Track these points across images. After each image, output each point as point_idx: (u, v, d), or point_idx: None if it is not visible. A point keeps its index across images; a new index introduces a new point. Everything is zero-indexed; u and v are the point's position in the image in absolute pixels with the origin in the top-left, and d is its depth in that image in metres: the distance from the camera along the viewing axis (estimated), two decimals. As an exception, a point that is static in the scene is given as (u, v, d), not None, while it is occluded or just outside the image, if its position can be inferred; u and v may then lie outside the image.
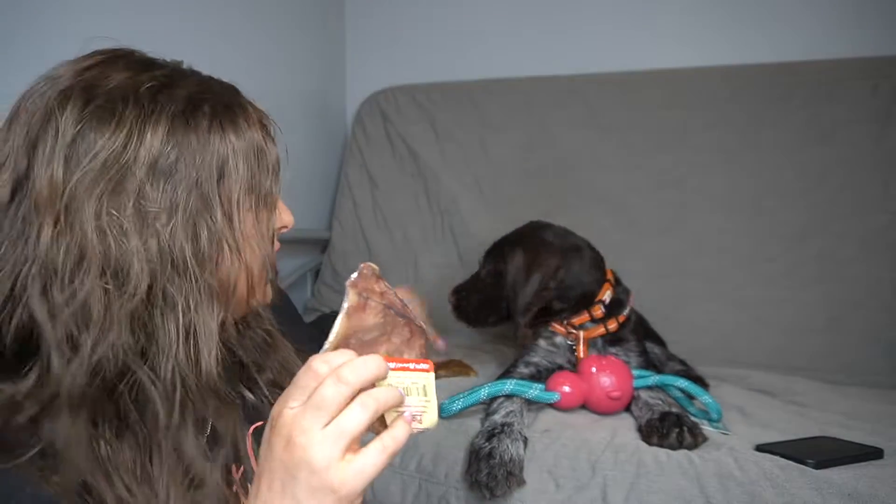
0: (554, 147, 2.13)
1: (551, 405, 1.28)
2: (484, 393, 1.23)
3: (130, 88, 0.66)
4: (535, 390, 1.25)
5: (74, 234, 0.62)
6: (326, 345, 0.63)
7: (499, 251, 1.51)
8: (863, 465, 1.07)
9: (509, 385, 1.24)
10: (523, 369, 1.40)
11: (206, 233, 0.67)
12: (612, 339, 1.41)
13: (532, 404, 1.30)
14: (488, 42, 2.37)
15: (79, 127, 0.63)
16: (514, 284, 1.43)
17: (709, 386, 1.45)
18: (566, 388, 1.27)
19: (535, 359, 1.42)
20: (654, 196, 2.00)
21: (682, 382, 1.28)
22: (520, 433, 1.16)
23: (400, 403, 0.61)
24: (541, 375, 1.39)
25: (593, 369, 1.27)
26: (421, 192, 2.24)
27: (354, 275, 0.65)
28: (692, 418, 1.21)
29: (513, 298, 1.42)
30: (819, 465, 1.04)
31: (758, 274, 1.84)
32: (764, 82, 1.95)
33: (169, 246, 0.65)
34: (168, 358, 0.65)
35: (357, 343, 0.63)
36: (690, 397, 1.31)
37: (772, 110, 1.93)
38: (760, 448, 1.13)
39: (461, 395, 1.22)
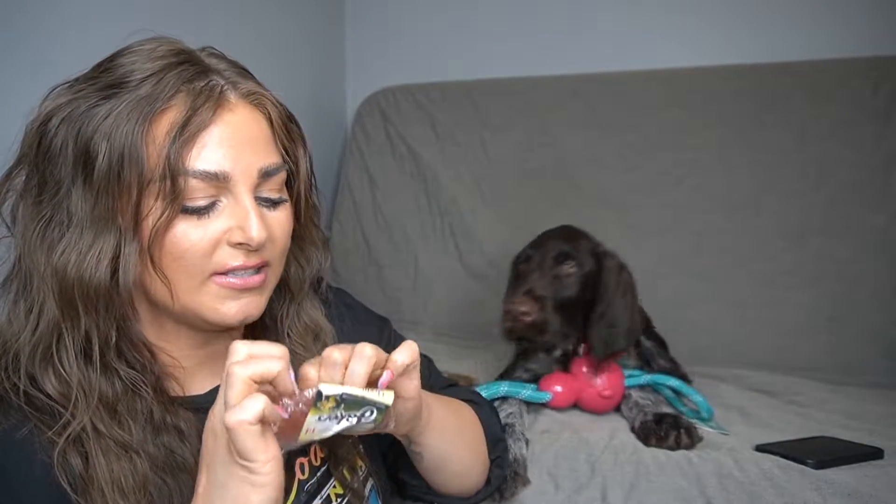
0: (554, 147, 2.13)
1: (544, 404, 1.30)
2: None
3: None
4: (527, 391, 1.27)
5: None
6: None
7: (586, 251, 1.34)
8: (863, 465, 1.07)
9: (503, 387, 1.27)
10: (522, 374, 1.40)
11: (56, 228, 0.66)
12: None
13: (530, 405, 1.31)
14: (488, 42, 2.37)
15: None
16: (614, 303, 1.29)
17: (691, 382, 1.45)
18: (558, 388, 1.28)
19: (534, 366, 1.42)
20: (654, 196, 2.00)
21: (674, 382, 1.29)
22: (521, 434, 1.17)
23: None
24: (537, 380, 1.39)
25: (584, 369, 1.29)
26: (421, 192, 2.24)
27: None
28: (687, 419, 1.21)
29: (611, 317, 1.28)
30: (819, 465, 1.05)
31: (758, 274, 1.84)
32: (764, 82, 1.95)
33: (24, 223, 0.68)
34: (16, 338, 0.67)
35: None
36: (679, 395, 1.31)
37: (772, 110, 1.93)
38: (760, 448, 1.13)
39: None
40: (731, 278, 1.86)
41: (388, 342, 0.93)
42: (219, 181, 0.67)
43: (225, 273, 0.69)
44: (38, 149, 0.67)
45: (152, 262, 0.66)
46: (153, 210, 0.65)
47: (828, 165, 1.85)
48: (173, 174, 0.64)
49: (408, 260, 2.20)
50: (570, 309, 1.29)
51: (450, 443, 0.84)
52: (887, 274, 1.74)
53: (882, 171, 1.80)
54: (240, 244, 0.68)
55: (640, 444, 1.16)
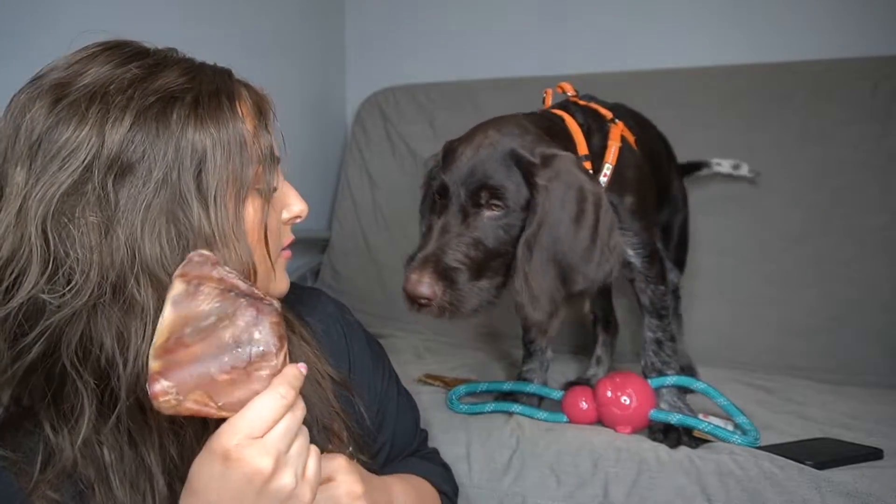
0: (554, 147, 2.13)
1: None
2: (488, 408, 1.28)
3: (101, 85, 0.64)
4: (542, 413, 1.26)
5: (21, 237, 0.61)
6: (154, 339, 0.57)
7: (520, 170, 0.99)
8: (863, 465, 1.07)
9: (516, 407, 1.27)
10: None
11: (175, 231, 0.64)
12: None
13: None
14: (488, 42, 2.37)
15: (45, 127, 0.62)
16: (567, 245, 0.97)
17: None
18: (583, 405, 1.24)
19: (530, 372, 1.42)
20: (654, 196, 2.00)
21: (700, 385, 1.24)
22: None
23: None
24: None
25: (609, 392, 1.22)
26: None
27: (181, 266, 0.60)
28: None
29: (543, 248, 0.97)
30: (819, 466, 1.04)
31: (758, 274, 1.84)
32: (764, 82, 1.95)
33: (133, 247, 0.62)
34: (131, 361, 0.62)
35: (194, 331, 0.56)
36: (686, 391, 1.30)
37: (772, 110, 1.93)
38: (761, 449, 1.13)
39: (469, 405, 1.29)
40: (731, 278, 1.86)
41: (384, 370, 0.97)
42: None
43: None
44: None
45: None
46: (238, 204, 0.69)
47: (828, 165, 1.85)
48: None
49: (408, 260, 2.19)
50: (500, 261, 0.99)
51: None
52: (888, 274, 1.74)
53: (882, 171, 1.80)
54: (294, 219, 0.77)
55: (642, 443, 1.16)
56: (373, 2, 2.53)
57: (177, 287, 0.57)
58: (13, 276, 0.62)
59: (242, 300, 0.58)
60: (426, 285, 0.94)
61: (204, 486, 0.57)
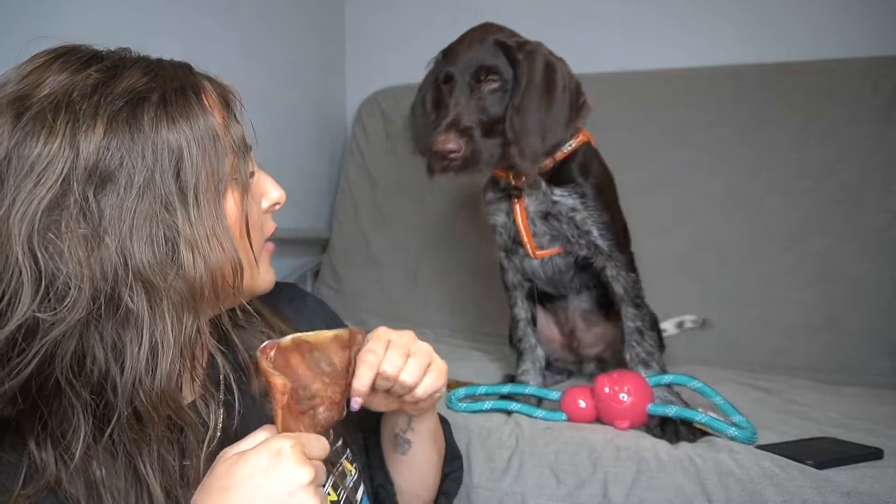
0: (554, 147, 2.13)
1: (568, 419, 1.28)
2: (487, 406, 1.28)
3: (63, 93, 0.62)
4: (541, 412, 1.27)
5: (7, 259, 0.59)
6: (312, 332, 0.71)
7: (506, 53, 1.28)
8: (863, 465, 1.07)
9: (514, 405, 1.28)
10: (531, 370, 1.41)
11: (163, 234, 0.63)
12: (557, 181, 1.31)
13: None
14: (488, 42, 2.36)
15: (12, 143, 0.60)
16: (544, 108, 1.22)
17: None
18: (582, 403, 1.24)
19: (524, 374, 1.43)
20: (654, 196, 2.00)
21: (696, 383, 1.23)
22: None
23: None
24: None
25: (606, 389, 1.22)
26: (421, 191, 2.24)
27: (356, 327, 0.75)
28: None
29: (534, 125, 1.21)
30: (819, 466, 1.04)
31: (758, 274, 1.84)
32: (764, 82, 1.95)
33: (123, 256, 0.61)
34: (128, 372, 0.61)
35: (313, 362, 0.70)
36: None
37: (772, 110, 1.93)
38: (760, 448, 1.13)
39: (468, 403, 1.30)
40: (731, 278, 1.86)
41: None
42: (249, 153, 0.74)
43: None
44: None
45: None
46: (219, 198, 0.69)
47: (828, 165, 1.85)
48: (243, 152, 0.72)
49: (408, 260, 2.20)
50: (501, 126, 1.24)
51: (434, 442, 0.90)
52: (888, 274, 1.74)
53: (882, 171, 1.80)
54: (273, 206, 0.77)
55: (642, 442, 1.16)
56: (373, 2, 2.53)
57: (347, 335, 0.73)
58: (5, 299, 0.60)
59: (343, 382, 0.72)
60: (453, 141, 1.19)
61: (247, 476, 0.58)
